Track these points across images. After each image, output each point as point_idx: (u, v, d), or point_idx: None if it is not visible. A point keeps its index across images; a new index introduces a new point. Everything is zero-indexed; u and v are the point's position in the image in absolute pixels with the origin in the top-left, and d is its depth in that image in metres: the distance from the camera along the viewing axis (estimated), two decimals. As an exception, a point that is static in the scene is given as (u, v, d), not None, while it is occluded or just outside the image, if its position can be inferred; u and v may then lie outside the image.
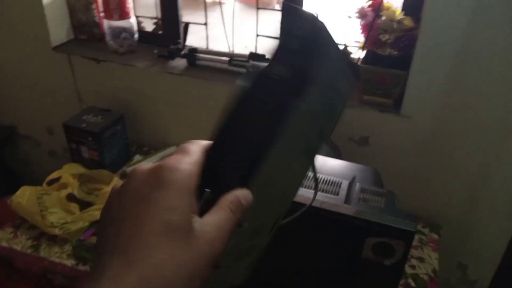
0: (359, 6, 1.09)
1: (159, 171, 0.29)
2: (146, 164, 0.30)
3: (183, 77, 1.29)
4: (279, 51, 0.33)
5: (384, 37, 1.05)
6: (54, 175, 1.16)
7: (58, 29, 1.42)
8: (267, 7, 1.72)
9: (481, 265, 1.29)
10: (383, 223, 0.70)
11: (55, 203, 1.06)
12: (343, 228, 0.73)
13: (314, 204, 0.72)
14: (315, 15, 0.33)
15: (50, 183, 1.14)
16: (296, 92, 0.32)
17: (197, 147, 0.32)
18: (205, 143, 0.33)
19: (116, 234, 0.27)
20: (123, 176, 1.23)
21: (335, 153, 1.06)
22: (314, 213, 0.72)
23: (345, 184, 0.79)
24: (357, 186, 0.79)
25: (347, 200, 0.74)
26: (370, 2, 1.09)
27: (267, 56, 1.31)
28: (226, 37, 1.42)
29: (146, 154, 1.41)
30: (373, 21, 1.05)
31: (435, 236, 1.20)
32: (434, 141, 1.12)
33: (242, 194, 0.30)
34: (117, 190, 0.30)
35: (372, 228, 0.70)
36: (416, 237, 1.18)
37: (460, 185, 1.17)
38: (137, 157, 1.39)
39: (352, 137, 1.19)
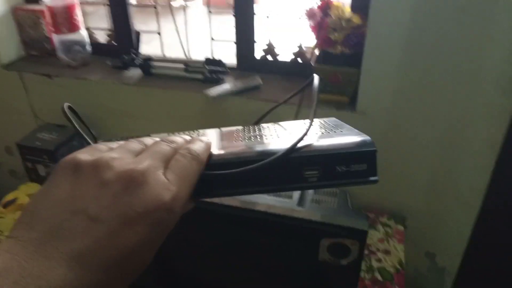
0: (308, 8, 1.09)
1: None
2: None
3: (138, 87, 1.27)
4: (324, 165, 0.32)
5: (334, 36, 1.05)
6: (9, 197, 1.12)
7: (7, 46, 1.38)
8: (225, 11, 1.71)
9: (448, 252, 1.31)
10: (336, 223, 0.70)
11: (11, 226, 1.03)
12: (297, 231, 0.73)
13: (267, 210, 0.72)
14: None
15: (6, 205, 1.11)
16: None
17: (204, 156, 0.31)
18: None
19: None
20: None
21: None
22: (267, 218, 0.72)
23: (299, 186, 0.78)
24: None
25: (300, 202, 0.74)
26: (320, 3, 1.09)
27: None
28: (181, 43, 1.40)
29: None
30: (321, 21, 1.05)
31: (401, 228, 1.21)
32: (393, 135, 1.13)
33: None
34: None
35: (326, 230, 0.71)
36: (382, 230, 1.20)
37: (423, 176, 1.19)
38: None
39: (311, 136, 1.19)
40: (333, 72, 1.09)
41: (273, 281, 0.81)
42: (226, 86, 1.22)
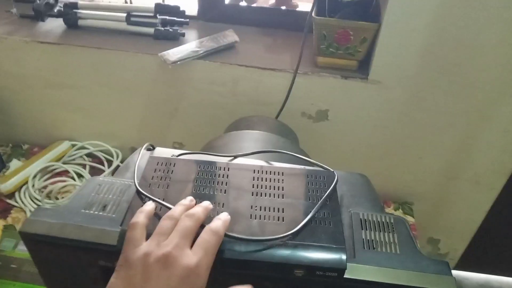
0: None
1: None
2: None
3: (60, 46, 0.91)
4: (309, 270, 0.42)
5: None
6: None
7: None
8: None
9: (454, 238, 1.14)
10: (410, 285, 0.45)
11: None
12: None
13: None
14: None
15: None
16: None
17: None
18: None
19: None
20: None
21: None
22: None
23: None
24: (352, 214, 0.52)
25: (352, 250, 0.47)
26: None
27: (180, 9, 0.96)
28: (119, -17, 1.03)
29: (27, 155, 1.03)
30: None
31: (411, 220, 1.00)
32: (409, 110, 0.88)
33: None
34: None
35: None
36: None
37: (437, 157, 0.96)
38: (15, 163, 1.00)
39: (306, 112, 0.91)
40: (341, 28, 0.79)
41: None
42: (189, 47, 0.88)
